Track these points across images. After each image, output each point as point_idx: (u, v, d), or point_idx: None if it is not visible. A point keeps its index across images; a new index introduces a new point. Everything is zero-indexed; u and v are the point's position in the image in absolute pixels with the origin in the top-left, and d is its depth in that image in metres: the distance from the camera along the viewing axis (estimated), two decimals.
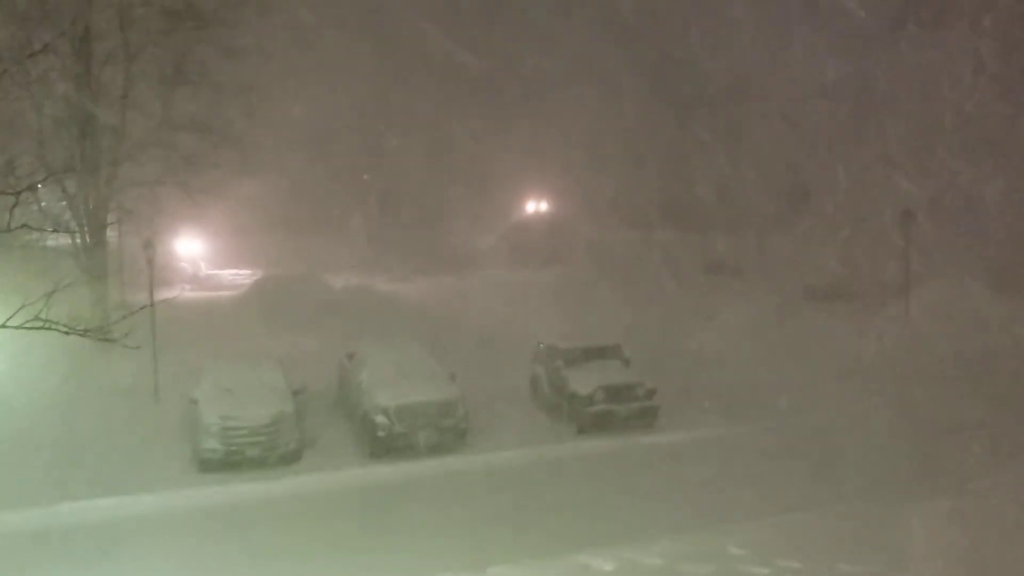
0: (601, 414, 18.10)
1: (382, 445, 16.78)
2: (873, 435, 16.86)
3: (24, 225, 8.52)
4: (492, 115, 39.63)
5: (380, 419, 16.75)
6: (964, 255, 26.50)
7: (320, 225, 38.64)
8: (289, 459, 16.38)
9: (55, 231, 19.64)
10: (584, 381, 18.38)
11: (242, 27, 22.75)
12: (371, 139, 39.42)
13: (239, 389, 16.94)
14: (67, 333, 8.03)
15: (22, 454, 15.96)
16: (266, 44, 25.08)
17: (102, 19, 21.37)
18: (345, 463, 16.58)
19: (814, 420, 18.29)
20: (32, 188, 16.17)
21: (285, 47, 29.95)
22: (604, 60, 37.59)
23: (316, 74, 35.67)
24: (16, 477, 15.16)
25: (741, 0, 35.50)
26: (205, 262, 37.64)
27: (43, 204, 21.43)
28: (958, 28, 28.47)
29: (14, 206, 8.06)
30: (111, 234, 23.23)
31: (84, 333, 8.26)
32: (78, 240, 21.63)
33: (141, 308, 11.62)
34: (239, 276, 35.99)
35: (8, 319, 7.86)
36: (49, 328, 7.77)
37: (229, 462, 15.99)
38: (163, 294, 19.34)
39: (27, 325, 7.78)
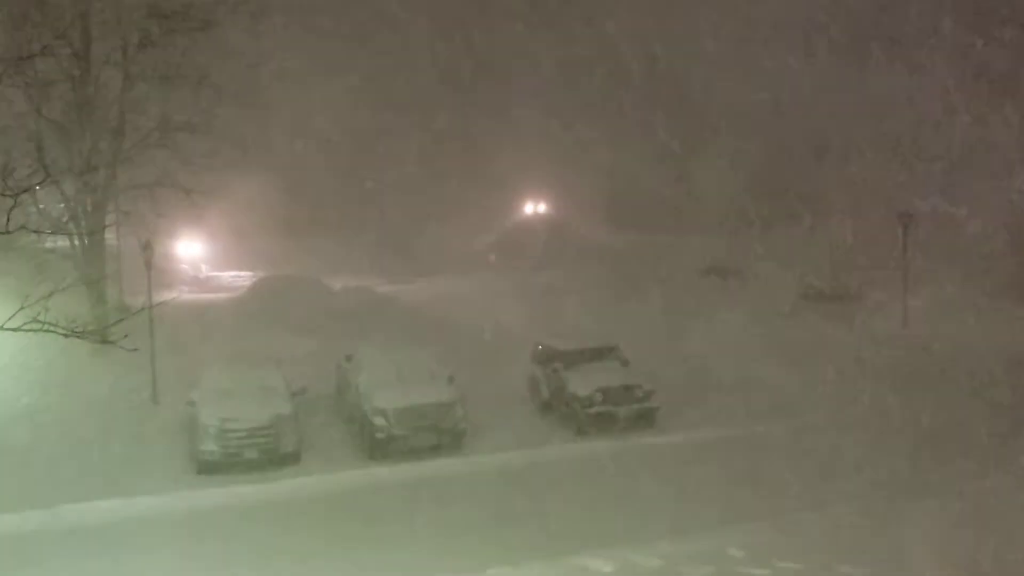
0: (600, 415, 18.08)
1: (381, 447, 16.77)
2: (872, 436, 16.86)
3: (23, 227, 8.52)
4: (491, 117, 39.69)
5: (379, 421, 16.74)
6: (963, 257, 26.50)
7: (320, 227, 38.68)
8: (288, 461, 16.36)
9: (53, 233, 19.64)
10: (583, 382, 18.37)
11: (241, 29, 22.77)
12: (370, 140, 39.43)
13: (238, 391, 16.92)
14: (66, 335, 8.02)
15: (21, 456, 15.95)
16: (265, 45, 25.11)
17: (101, 21, 21.38)
18: (344, 465, 16.58)
19: (813, 421, 18.29)
20: (30, 190, 16.14)
21: (284, 48, 29.99)
22: (603, 61, 37.61)
23: (315, 75, 35.71)
24: (15, 479, 15.16)
25: (740, 0, 35.57)
26: (206, 264, 37.64)
27: (41, 206, 21.43)
28: (958, 28, 28.51)
29: (12, 208, 8.05)
30: (110, 236, 23.22)
31: (83, 335, 8.26)
32: (77, 242, 21.62)
33: (139, 310, 11.62)
34: (240, 278, 35.97)
35: (7, 321, 7.86)
36: (48, 330, 7.77)
37: (228, 464, 15.97)
38: (163, 296, 19.33)
39: (26, 327, 7.78)
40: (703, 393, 20.08)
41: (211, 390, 17.02)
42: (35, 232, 11.70)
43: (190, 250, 35.51)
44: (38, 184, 18.03)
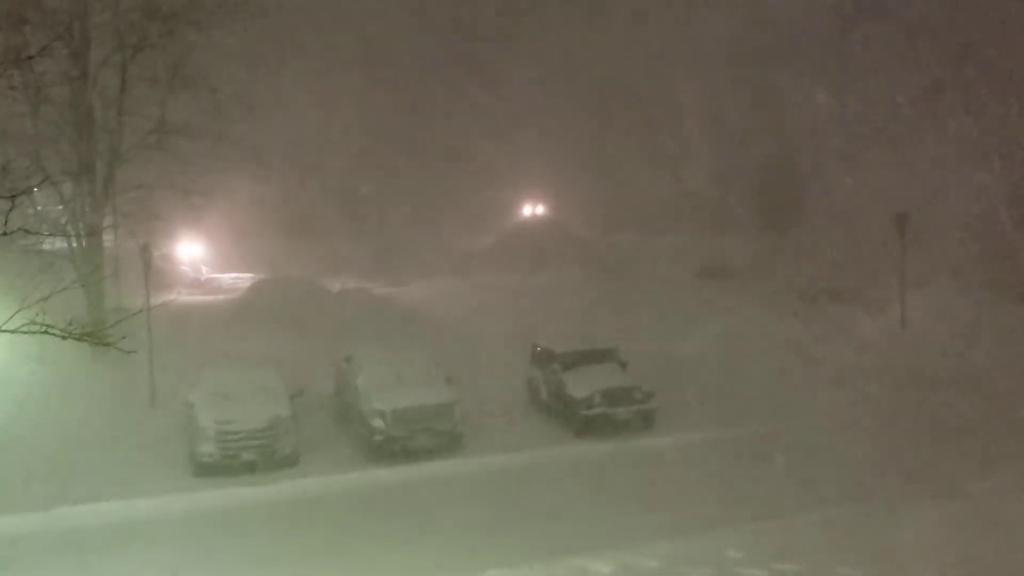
0: (598, 417, 18.07)
1: (379, 448, 16.75)
2: (870, 437, 16.87)
3: (20, 228, 8.49)
4: (490, 119, 39.72)
5: (377, 422, 16.73)
6: (961, 258, 26.52)
7: (319, 229, 38.71)
8: (286, 463, 16.31)
9: (51, 234, 19.59)
10: (581, 384, 18.35)
11: (240, 30, 22.74)
12: (369, 142, 39.46)
13: (236, 393, 16.89)
14: (63, 337, 7.99)
15: (19, 458, 15.92)
16: (264, 48, 25.10)
17: (99, 22, 21.36)
18: (342, 467, 16.54)
19: (812, 423, 18.30)
20: (28, 191, 16.13)
21: (283, 51, 30.01)
22: (601, 62, 37.68)
23: (314, 78, 35.74)
24: (13, 481, 15.13)
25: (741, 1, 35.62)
26: (206, 266, 37.65)
27: (40, 207, 21.41)
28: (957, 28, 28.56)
29: (10, 209, 8.02)
30: (108, 238, 23.20)
31: (80, 337, 8.22)
32: (75, 244, 21.60)
33: (137, 312, 11.59)
34: (239, 280, 35.98)
35: (5, 323, 7.83)
36: (45, 332, 7.73)
37: (225, 466, 15.93)
38: (161, 298, 19.30)
39: (23, 329, 7.75)
40: (702, 394, 20.07)
41: (209, 392, 16.99)
42: (33, 233, 11.64)
43: (190, 252, 35.53)
44: (36, 185, 18.11)
